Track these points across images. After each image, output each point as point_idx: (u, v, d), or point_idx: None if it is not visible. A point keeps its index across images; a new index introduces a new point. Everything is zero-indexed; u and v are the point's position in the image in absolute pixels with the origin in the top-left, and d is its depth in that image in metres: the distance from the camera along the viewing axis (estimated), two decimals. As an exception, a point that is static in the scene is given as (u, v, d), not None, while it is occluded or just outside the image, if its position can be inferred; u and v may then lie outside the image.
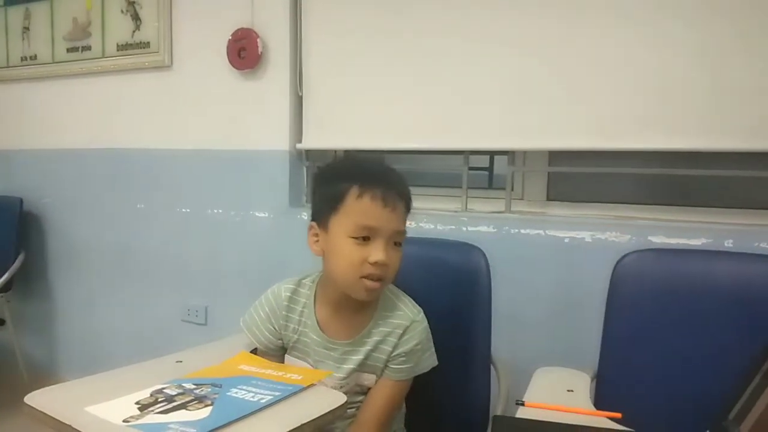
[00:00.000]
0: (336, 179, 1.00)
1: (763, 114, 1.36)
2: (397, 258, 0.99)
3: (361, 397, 1.06)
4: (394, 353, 1.03)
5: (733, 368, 0.85)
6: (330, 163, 1.06)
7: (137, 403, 0.78)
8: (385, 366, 1.04)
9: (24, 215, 2.41)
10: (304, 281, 1.09)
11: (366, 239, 0.96)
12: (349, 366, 1.03)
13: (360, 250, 0.95)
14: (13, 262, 2.34)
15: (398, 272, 1.01)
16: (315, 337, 1.05)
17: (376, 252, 0.95)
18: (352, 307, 1.03)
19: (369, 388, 1.06)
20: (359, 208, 0.95)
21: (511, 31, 1.60)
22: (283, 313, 1.07)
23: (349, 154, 1.04)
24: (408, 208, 1.02)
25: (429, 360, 1.07)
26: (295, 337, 1.07)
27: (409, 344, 1.03)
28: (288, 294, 1.07)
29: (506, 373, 1.25)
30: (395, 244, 0.99)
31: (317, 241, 1.02)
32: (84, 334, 2.44)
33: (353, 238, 0.96)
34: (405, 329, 1.03)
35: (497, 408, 1.18)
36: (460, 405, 1.21)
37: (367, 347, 1.03)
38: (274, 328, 1.07)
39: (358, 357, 1.03)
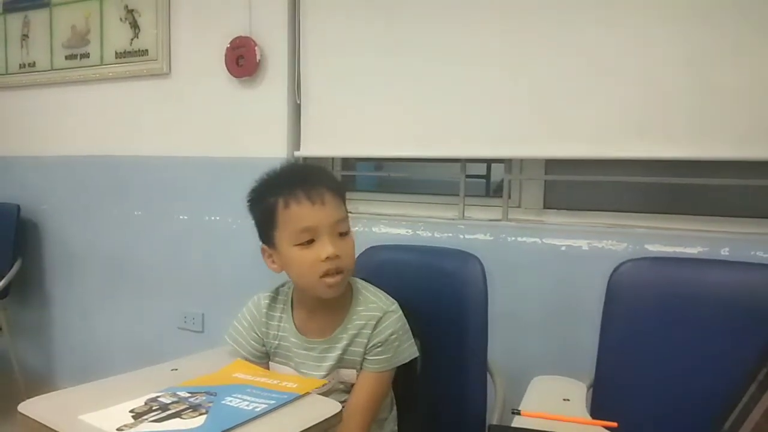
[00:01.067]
0: (262, 199, 1.04)
1: (756, 122, 1.36)
2: (348, 246, 1.02)
3: (345, 396, 1.06)
4: (370, 344, 1.04)
5: (731, 377, 0.85)
6: (252, 187, 1.08)
7: (131, 411, 0.78)
8: (364, 359, 1.05)
9: (21, 222, 2.40)
10: (281, 289, 1.13)
11: (311, 241, 0.98)
12: (328, 363, 1.05)
13: (309, 253, 0.98)
14: (10, 269, 2.33)
15: (355, 260, 1.04)
16: (294, 339, 1.07)
17: (324, 248, 0.97)
18: (327, 307, 1.05)
19: (352, 385, 1.06)
20: (290, 216, 0.99)
21: (507, 40, 1.60)
22: (264, 320, 1.10)
23: (269, 168, 1.07)
24: (340, 195, 1.03)
25: (408, 350, 1.07)
26: (276, 342, 1.09)
27: (384, 334, 1.04)
28: (266, 302, 1.11)
29: (502, 381, 1.24)
30: (341, 234, 1.01)
31: (273, 261, 1.05)
32: (80, 342, 2.43)
33: (299, 245, 0.98)
34: (378, 320, 1.04)
35: (493, 416, 1.18)
36: (455, 413, 1.21)
37: (344, 342, 1.04)
38: (258, 335, 1.10)
39: (335, 353, 1.04)
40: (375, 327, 1.04)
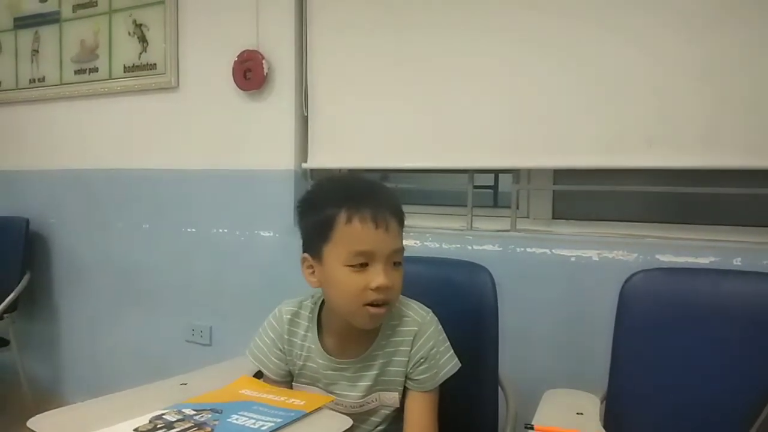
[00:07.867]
0: (321, 206, 0.95)
1: (767, 131, 1.35)
2: (399, 277, 0.95)
3: (378, 419, 1.03)
4: (413, 362, 0.99)
5: (746, 390, 0.84)
6: (312, 188, 1.00)
7: (135, 430, 0.77)
8: (407, 379, 1.00)
9: (30, 235, 2.41)
10: (305, 303, 1.06)
11: (364, 265, 0.91)
12: (365, 383, 1.00)
13: (359, 278, 0.91)
14: (19, 282, 2.34)
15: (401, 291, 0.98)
16: (321, 360, 1.01)
17: (377, 277, 0.91)
18: (359, 331, 0.99)
19: (394, 409, 1.03)
20: (350, 235, 0.91)
21: (515, 51, 1.60)
22: (286, 337, 1.03)
23: (331, 175, 0.99)
24: (401, 223, 0.97)
25: (450, 362, 1.02)
26: (300, 363, 1.03)
27: (425, 347, 0.99)
28: (288, 317, 1.04)
29: (514, 394, 1.22)
30: (394, 263, 0.95)
31: (313, 272, 0.98)
32: (88, 355, 2.43)
33: (350, 266, 0.91)
34: (415, 334, 1.00)
35: (505, 431, 1.16)
36: (467, 427, 1.19)
37: (380, 360, 1.00)
38: (282, 352, 1.04)
39: (372, 372, 0.99)
40: (413, 342, 0.99)
